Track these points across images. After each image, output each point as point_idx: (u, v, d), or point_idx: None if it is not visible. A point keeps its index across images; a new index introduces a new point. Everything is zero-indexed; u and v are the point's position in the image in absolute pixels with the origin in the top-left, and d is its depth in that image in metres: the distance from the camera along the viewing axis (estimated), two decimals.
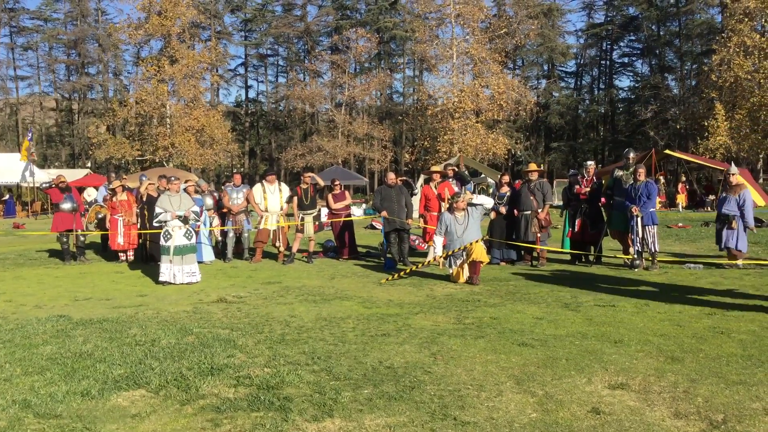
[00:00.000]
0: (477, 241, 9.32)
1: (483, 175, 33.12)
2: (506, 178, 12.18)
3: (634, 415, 3.95)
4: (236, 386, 4.58)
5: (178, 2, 41.35)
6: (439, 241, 9.53)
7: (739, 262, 10.31)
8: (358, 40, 50.32)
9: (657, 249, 10.46)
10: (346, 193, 13.52)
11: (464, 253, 9.33)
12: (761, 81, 37.27)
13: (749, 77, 37.85)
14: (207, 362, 5.14)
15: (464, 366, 5.01)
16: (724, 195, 10.70)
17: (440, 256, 9.69)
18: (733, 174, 10.74)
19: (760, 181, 36.62)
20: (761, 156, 39.39)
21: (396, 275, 9.66)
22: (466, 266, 9.29)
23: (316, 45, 59.79)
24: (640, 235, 10.25)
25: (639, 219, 10.21)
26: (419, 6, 43.20)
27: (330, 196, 13.12)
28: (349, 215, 12.92)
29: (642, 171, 10.55)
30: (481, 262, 9.29)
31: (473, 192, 29.40)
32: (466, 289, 8.69)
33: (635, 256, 10.30)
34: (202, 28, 54.86)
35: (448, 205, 9.96)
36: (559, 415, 3.98)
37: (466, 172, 13.35)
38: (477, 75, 40.36)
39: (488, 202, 10.33)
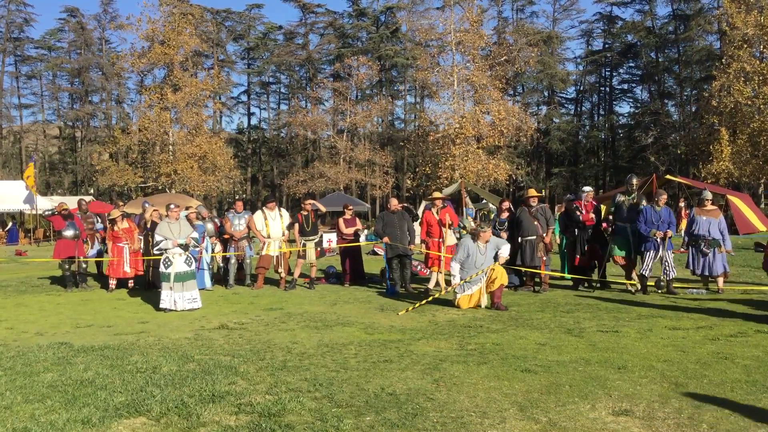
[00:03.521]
0: (498, 265, 9.23)
1: (484, 201, 33.15)
2: (506, 204, 12.19)
3: None
4: (237, 413, 4.56)
5: (180, 32, 41.83)
6: (456, 268, 9.31)
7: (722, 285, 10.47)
8: (359, 67, 50.78)
9: (675, 274, 10.48)
10: (357, 219, 13.57)
11: (483, 278, 9.24)
12: (761, 106, 37.50)
13: (749, 103, 38.11)
14: (208, 389, 5.11)
15: (467, 392, 4.98)
16: (704, 218, 10.67)
17: (458, 284, 9.32)
18: (708, 199, 10.89)
19: (762, 206, 36.60)
20: (762, 181, 39.45)
21: (417, 304, 9.31)
22: (485, 293, 9.19)
23: (317, 72, 60.35)
24: (667, 259, 10.22)
25: (665, 243, 10.19)
26: (420, 34, 43.64)
27: (341, 221, 13.15)
28: (357, 240, 12.97)
29: (664, 197, 10.57)
30: (502, 285, 9.26)
31: (474, 218, 29.57)
32: (468, 315, 8.66)
33: (641, 280, 10.31)
34: (204, 57, 55.40)
35: (472, 234, 9.71)
36: None
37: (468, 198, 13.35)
38: (478, 101, 40.60)
39: (506, 251, 9.90)
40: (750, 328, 7.27)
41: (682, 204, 24.60)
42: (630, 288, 10.70)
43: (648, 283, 10.42)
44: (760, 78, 37.53)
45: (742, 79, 38.20)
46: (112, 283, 12.21)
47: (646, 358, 5.92)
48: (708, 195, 11.05)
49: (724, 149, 37.76)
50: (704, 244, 10.43)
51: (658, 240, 10.18)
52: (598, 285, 11.14)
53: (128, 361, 6.16)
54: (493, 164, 38.90)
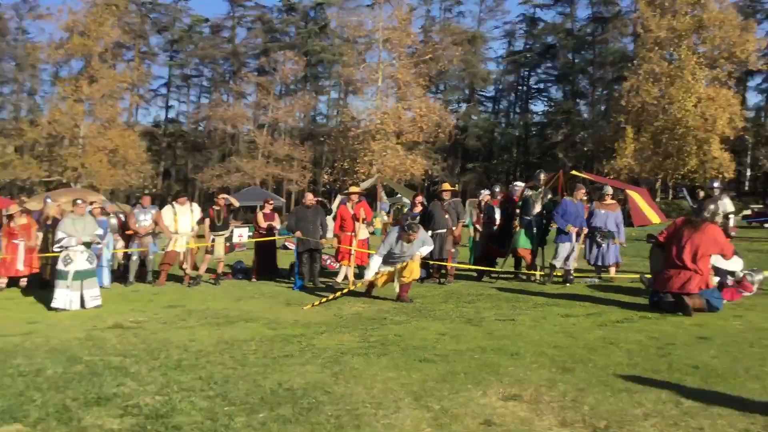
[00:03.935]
0: (413, 260, 9.18)
1: (399, 195, 33.55)
2: (420, 198, 12.34)
3: (524, 425, 4.02)
4: (122, 416, 4.37)
5: (103, 22, 40.12)
6: (377, 262, 9.20)
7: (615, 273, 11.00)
8: (285, 62, 50.18)
9: (575, 264, 10.89)
10: (276, 214, 13.36)
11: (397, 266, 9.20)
12: (665, 106, 39.46)
13: (655, 102, 40.03)
14: (94, 392, 4.88)
15: (365, 384, 4.97)
16: (603, 212, 11.14)
17: (370, 279, 9.25)
18: (608, 194, 11.38)
19: (657, 200, 38.54)
20: (660, 176, 41.53)
21: (324, 299, 9.21)
22: (396, 281, 9.16)
23: (242, 66, 59.24)
24: (575, 252, 10.62)
25: (580, 238, 10.61)
26: (349, 31, 43.64)
27: (260, 215, 12.90)
28: (272, 235, 12.77)
29: (582, 191, 10.92)
30: (413, 279, 9.27)
31: (388, 212, 29.83)
32: (373, 308, 8.66)
33: (551, 269, 10.73)
34: (126, 48, 53.37)
35: (397, 233, 9.35)
36: (452, 429, 4.01)
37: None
38: (401, 98, 40.99)
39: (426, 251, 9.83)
40: (635, 314, 7.59)
41: (584, 198, 25.69)
42: (533, 279, 11.03)
43: (556, 273, 10.76)
44: (668, 79, 39.46)
45: (651, 80, 40.06)
46: (2, 281, 11.51)
47: (538, 345, 6.08)
48: (609, 190, 11.53)
49: (628, 146, 39.56)
50: (599, 235, 10.85)
51: (573, 234, 10.48)
52: (520, 276, 11.46)
53: (10, 365, 5.80)
54: (411, 160, 39.35)
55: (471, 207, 13.81)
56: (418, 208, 11.98)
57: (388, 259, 9.27)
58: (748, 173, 52.72)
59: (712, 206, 7.95)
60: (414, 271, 9.22)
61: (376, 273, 9.26)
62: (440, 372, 5.23)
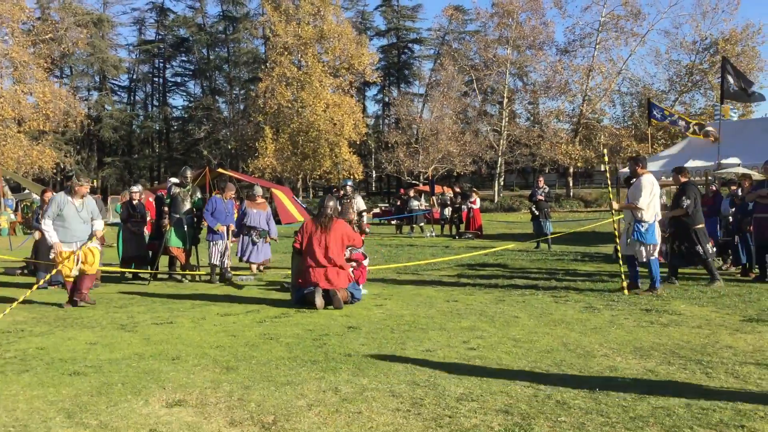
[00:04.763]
0: (95, 247, 8.34)
1: (27, 191, 30.52)
2: (50, 195, 11.23)
3: (192, 429, 3.97)
4: None
5: None
6: (49, 224, 8.10)
7: None
8: None
9: (230, 262, 11.05)
10: None
11: (77, 258, 8.17)
12: (299, 109, 42.30)
13: (290, 105, 42.61)
14: None
15: (5, 406, 4.40)
16: (255, 211, 11.77)
17: (57, 242, 8.12)
18: (259, 194, 12.03)
19: (300, 198, 41.47)
20: (300, 176, 44.53)
21: None
22: (75, 270, 8.15)
23: None
24: (229, 250, 10.81)
25: (229, 235, 10.83)
26: None
27: None
28: None
29: (232, 192, 11.17)
30: (89, 275, 8.34)
31: (15, 210, 26.76)
32: (7, 319, 7.61)
33: (212, 269, 10.79)
34: None
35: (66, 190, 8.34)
36: None
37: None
38: (18, 80, 36.54)
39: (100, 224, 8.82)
40: (292, 309, 8.00)
41: (234, 196, 26.44)
42: (189, 279, 10.96)
43: (216, 272, 10.81)
44: (299, 83, 42.33)
45: (284, 83, 42.53)
46: None
47: (200, 346, 6.04)
48: (259, 190, 12.13)
49: (269, 146, 41.56)
50: (255, 234, 11.25)
51: (224, 232, 10.65)
52: (175, 276, 11.17)
53: None
54: (38, 151, 35.63)
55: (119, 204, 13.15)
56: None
57: (67, 227, 8.21)
58: (374, 175, 59.57)
59: (330, 203, 8.62)
60: (94, 262, 8.43)
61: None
62: (94, 384, 4.87)
